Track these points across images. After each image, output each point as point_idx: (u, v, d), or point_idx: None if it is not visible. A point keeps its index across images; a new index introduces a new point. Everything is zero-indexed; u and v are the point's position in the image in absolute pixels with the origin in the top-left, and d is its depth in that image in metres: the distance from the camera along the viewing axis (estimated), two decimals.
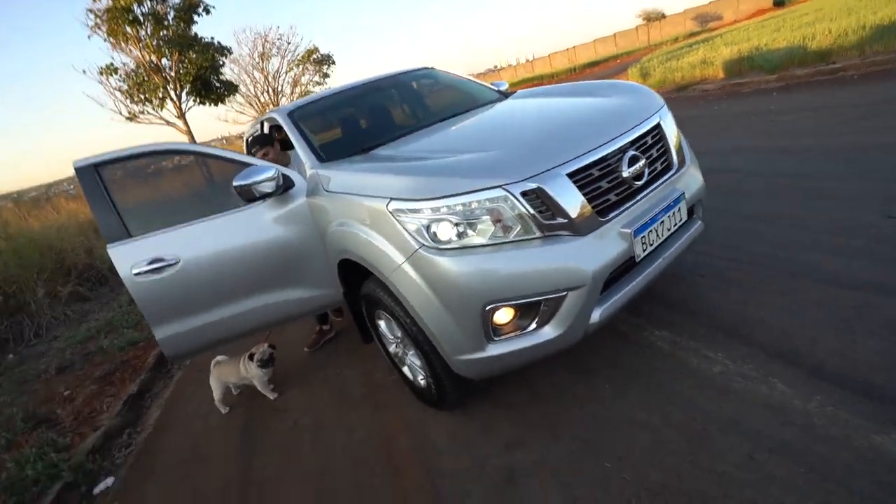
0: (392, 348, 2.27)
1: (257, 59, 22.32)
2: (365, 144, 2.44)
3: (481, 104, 2.79)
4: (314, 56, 23.19)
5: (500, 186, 1.54)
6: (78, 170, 2.27)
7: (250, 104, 22.75)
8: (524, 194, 1.54)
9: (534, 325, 1.62)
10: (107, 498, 2.41)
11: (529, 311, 1.61)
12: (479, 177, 1.57)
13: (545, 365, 2.16)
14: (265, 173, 2.19)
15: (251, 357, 2.67)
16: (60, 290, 6.64)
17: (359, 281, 2.23)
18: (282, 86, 23.22)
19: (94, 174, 2.28)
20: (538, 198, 1.55)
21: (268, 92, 22.97)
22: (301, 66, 23.25)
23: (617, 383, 1.99)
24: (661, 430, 1.70)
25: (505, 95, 3.00)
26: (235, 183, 2.15)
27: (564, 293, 1.55)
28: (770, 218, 2.95)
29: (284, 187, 2.34)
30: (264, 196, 2.24)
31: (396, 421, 2.20)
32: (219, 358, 2.82)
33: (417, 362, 2.04)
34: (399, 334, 2.07)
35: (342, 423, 2.33)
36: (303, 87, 23.41)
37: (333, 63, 23.90)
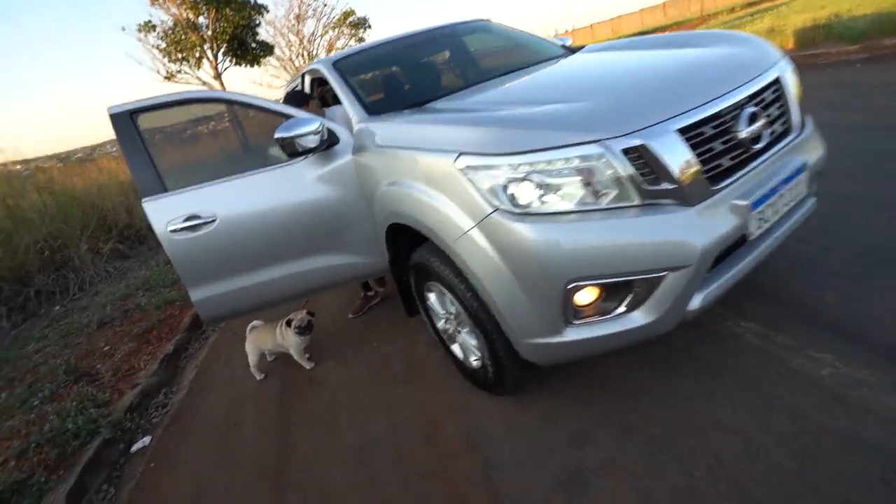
0: (441, 324, 2.07)
1: (293, 21, 22.01)
2: (418, 98, 2.18)
3: (548, 58, 2.47)
4: (350, 19, 22.68)
5: (596, 142, 1.27)
6: (113, 116, 2.12)
7: (284, 68, 22.60)
8: (625, 152, 1.27)
9: (621, 309, 1.38)
10: (143, 457, 2.36)
11: (619, 292, 1.37)
12: (572, 129, 1.30)
13: (614, 353, 1.92)
14: (309, 125, 1.98)
15: (288, 324, 2.54)
16: (102, 246, 6.78)
17: (408, 248, 2.03)
18: (316, 49, 22.91)
19: (129, 122, 2.12)
20: (640, 157, 1.28)
21: (302, 55, 22.72)
22: (336, 30, 22.83)
23: (700, 379, 1.74)
24: (759, 438, 1.46)
25: (572, 51, 2.67)
26: (277, 134, 1.95)
27: (664, 273, 1.29)
28: (872, 202, 2.56)
29: (328, 143, 2.13)
30: (307, 151, 2.04)
31: (442, 403, 2.03)
32: (254, 323, 2.71)
33: (473, 342, 1.84)
34: (453, 310, 1.87)
35: (383, 401, 2.17)
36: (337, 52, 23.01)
37: (369, 27, 23.36)
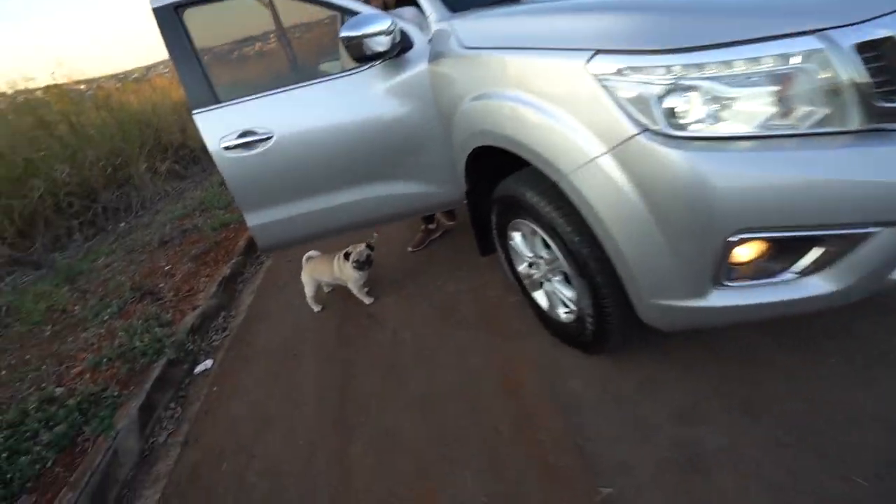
0: (523, 268, 1.81)
1: None
2: None
3: None
4: None
5: (813, 32, 0.87)
6: (156, 10, 1.84)
7: None
8: (859, 49, 0.86)
9: (792, 273, 1.04)
10: (206, 380, 2.36)
11: (795, 249, 1.02)
12: (772, 15, 0.90)
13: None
14: (379, 23, 1.63)
15: (346, 256, 2.35)
16: (159, 166, 6.86)
17: (492, 178, 1.72)
18: None
19: (174, 17, 1.84)
20: (880, 57, 0.87)
21: None
22: None
23: (851, 359, 1.41)
24: None
25: None
26: (343, 33, 1.62)
27: (877, 229, 0.93)
28: None
29: (400, 48, 1.77)
30: (376, 57, 1.70)
31: (521, 354, 1.82)
32: (311, 253, 2.56)
33: (567, 293, 1.57)
34: (545, 255, 1.58)
35: (450, 345, 2.00)
36: None
37: None
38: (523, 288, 1.88)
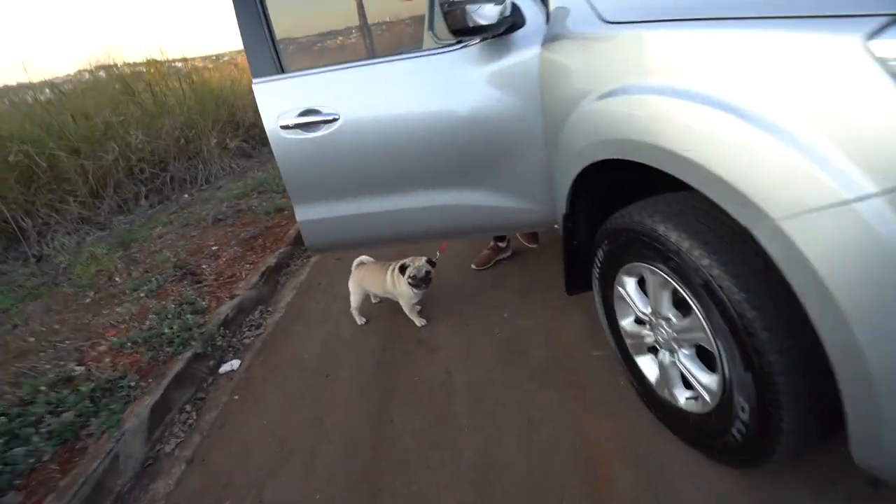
0: (629, 324, 1.37)
1: None
2: None
3: None
4: None
5: None
6: None
7: None
8: None
9: None
10: (230, 383, 2.10)
11: None
12: None
13: None
14: None
15: (402, 270, 2.01)
16: (229, 143, 6.94)
17: (604, 202, 1.32)
18: None
19: None
20: None
21: None
22: None
23: None
24: None
25: None
26: None
27: None
28: None
29: (510, 24, 1.41)
30: (476, 31, 1.34)
31: (607, 435, 1.38)
32: (363, 259, 2.24)
33: (699, 374, 1.12)
34: (673, 316, 1.15)
35: (516, 401, 1.59)
36: None
37: None
38: (622, 348, 1.44)
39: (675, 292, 1.11)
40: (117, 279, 3.09)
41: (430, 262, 2.02)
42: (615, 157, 1.14)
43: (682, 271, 1.01)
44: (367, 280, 2.17)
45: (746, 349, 0.89)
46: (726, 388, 1.00)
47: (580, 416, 1.47)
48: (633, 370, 1.41)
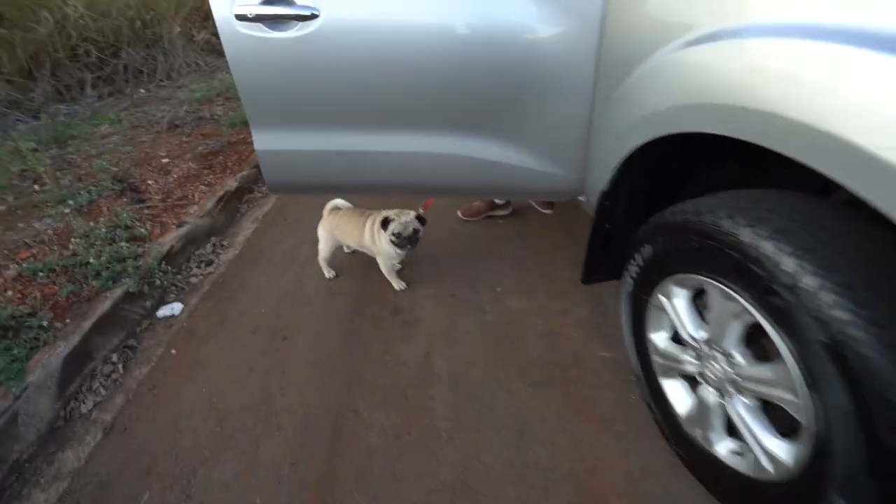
0: (660, 339, 1.10)
1: None
2: None
3: None
4: None
5: None
6: None
7: None
8: None
9: None
10: (167, 332, 1.78)
11: None
12: None
13: None
14: None
15: (384, 224, 1.65)
16: (196, 34, 6.03)
17: (656, 187, 0.99)
18: None
19: None
20: None
21: None
22: None
23: None
24: None
25: None
26: None
27: None
28: None
29: None
30: None
31: (614, 466, 1.16)
32: (338, 202, 1.86)
33: (769, 442, 0.86)
34: (739, 356, 0.87)
35: (505, 406, 1.34)
36: None
37: None
38: (644, 362, 1.19)
39: (754, 327, 0.82)
40: (46, 183, 2.60)
41: (419, 218, 1.67)
42: (710, 130, 0.79)
43: (786, 313, 0.71)
44: (340, 229, 1.81)
45: (888, 455, 0.62)
46: (812, 473, 0.75)
47: (580, 434, 1.24)
48: (654, 391, 1.16)
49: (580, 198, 1.39)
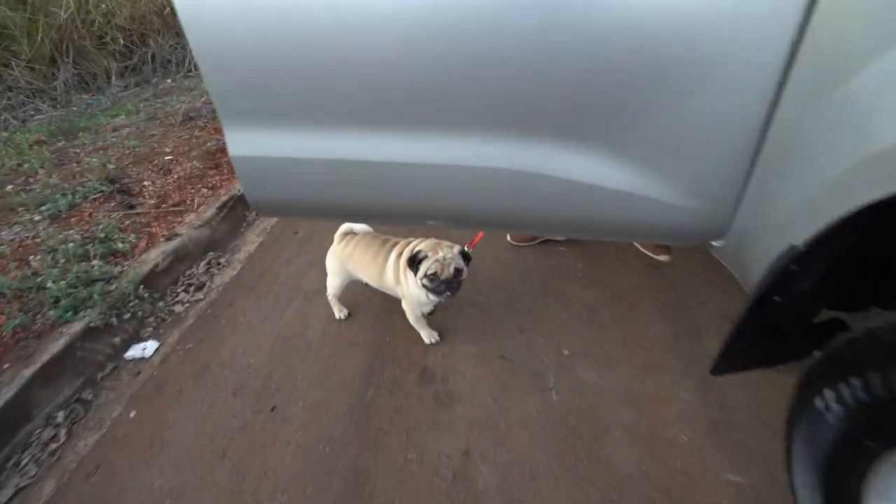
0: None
1: None
2: None
3: None
4: None
5: None
6: None
7: None
8: None
9: None
10: (132, 381, 1.39)
11: None
12: None
13: None
14: None
15: (414, 262, 1.19)
16: None
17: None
18: None
19: None
20: None
21: None
22: None
23: None
24: None
25: None
26: None
27: None
28: None
29: None
30: None
31: None
32: (353, 226, 1.41)
33: None
34: None
35: None
36: None
37: None
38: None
39: None
40: (38, 181, 2.29)
41: (464, 255, 1.20)
42: None
43: None
44: (355, 261, 1.36)
45: None
46: None
47: None
48: None
49: (715, 243, 0.89)
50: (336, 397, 1.24)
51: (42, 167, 2.51)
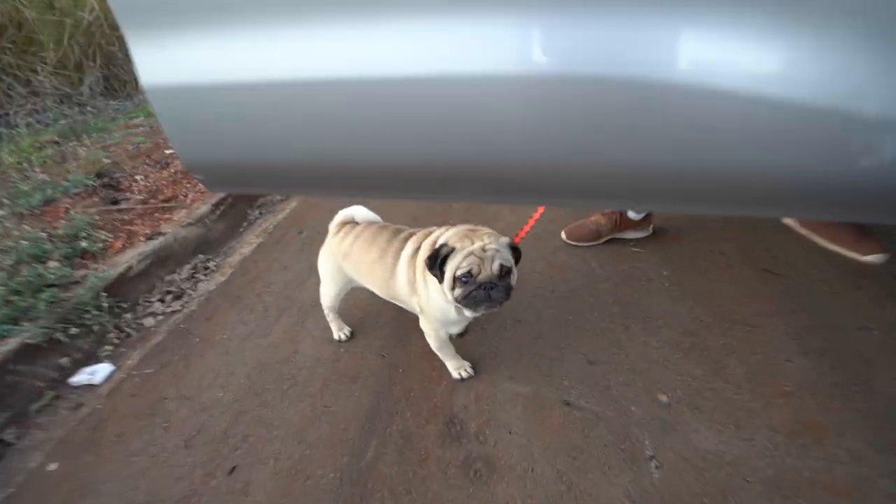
0: None
1: None
2: None
3: None
4: None
5: None
6: None
7: None
8: None
9: None
10: (72, 415, 1.05)
11: None
12: None
13: None
14: None
15: (438, 260, 0.80)
16: None
17: None
18: None
19: None
20: None
21: None
22: None
23: None
24: None
25: None
26: None
27: None
28: None
29: None
30: None
31: None
32: (353, 212, 1.03)
33: None
34: None
35: None
36: None
37: None
38: None
39: None
40: (34, 173, 2.08)
41: (512, 246, 0.80)
42: None
43: None
44: (354, 261, 0.98)
45: None
46: None
47: None
48: None
49: None
50: (321, 457, 0.85)
51: (41, 165, 2.31)
